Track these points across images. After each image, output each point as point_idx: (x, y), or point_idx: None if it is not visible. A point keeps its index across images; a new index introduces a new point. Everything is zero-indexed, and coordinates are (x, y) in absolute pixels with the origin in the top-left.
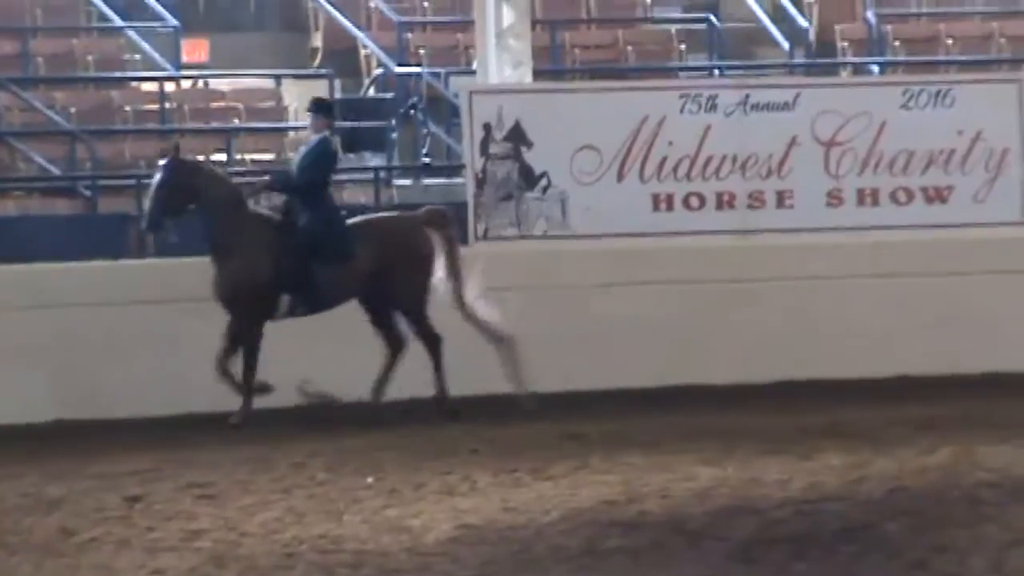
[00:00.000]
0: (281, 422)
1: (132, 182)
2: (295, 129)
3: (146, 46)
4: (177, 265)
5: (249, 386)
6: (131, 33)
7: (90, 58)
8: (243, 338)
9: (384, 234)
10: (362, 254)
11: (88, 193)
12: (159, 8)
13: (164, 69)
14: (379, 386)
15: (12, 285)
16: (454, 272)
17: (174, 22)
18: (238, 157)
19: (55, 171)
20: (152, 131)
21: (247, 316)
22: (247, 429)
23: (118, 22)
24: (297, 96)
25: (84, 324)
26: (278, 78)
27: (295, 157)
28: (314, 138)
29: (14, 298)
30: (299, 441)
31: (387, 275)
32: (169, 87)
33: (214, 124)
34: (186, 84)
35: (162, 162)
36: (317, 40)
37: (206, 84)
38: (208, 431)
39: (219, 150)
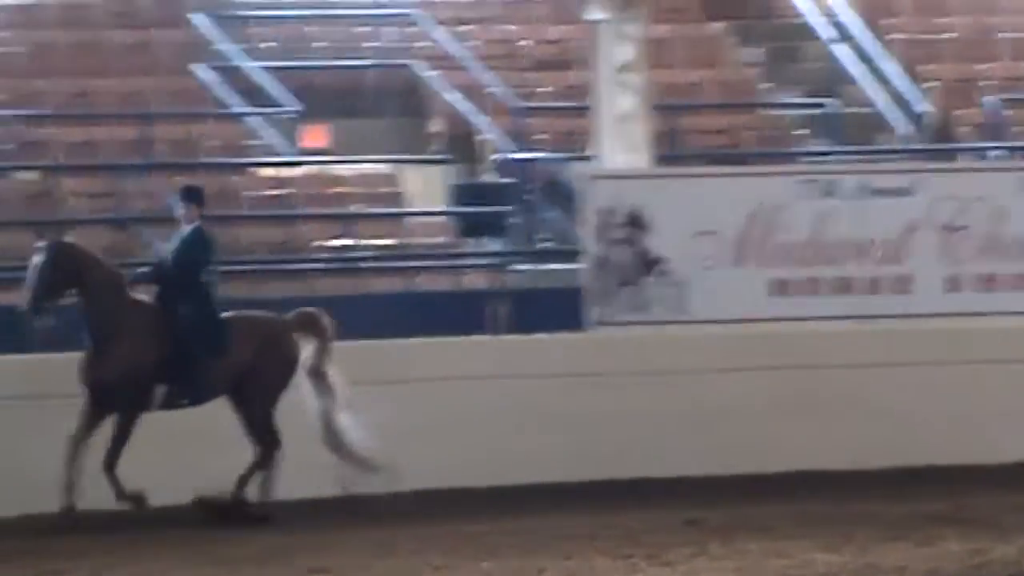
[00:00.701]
0: (408, 503)
1: (251, 268)
2: (414, 214)
3: (266, 132)
4: None
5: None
6: (252, 119)
7: (211, 144)
8: (117, 429)
9: (255, 332)
10: (234, 350)
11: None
12: (279, 94)
13: (284, 154)
14: (264, 483)
15: None
16: (320, 377)
17: (295, 108)
18: (357, 242)
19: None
20: (271, 217)
21: (122, 406)
22: (368, 511)
23: (239, 108)
24: (416, 181)
25: None
26: (397, 163)
27: (168, 247)
28: (187, 228)
29: None
30: (420, 525)
31: (252, 374)
32: (289, 172)
33: (333, 209)
34: (306, 169)
35: (41, 244)
36: (436, 125)
37: (326, 169)
38: (328, 514)
39: (337, 236)
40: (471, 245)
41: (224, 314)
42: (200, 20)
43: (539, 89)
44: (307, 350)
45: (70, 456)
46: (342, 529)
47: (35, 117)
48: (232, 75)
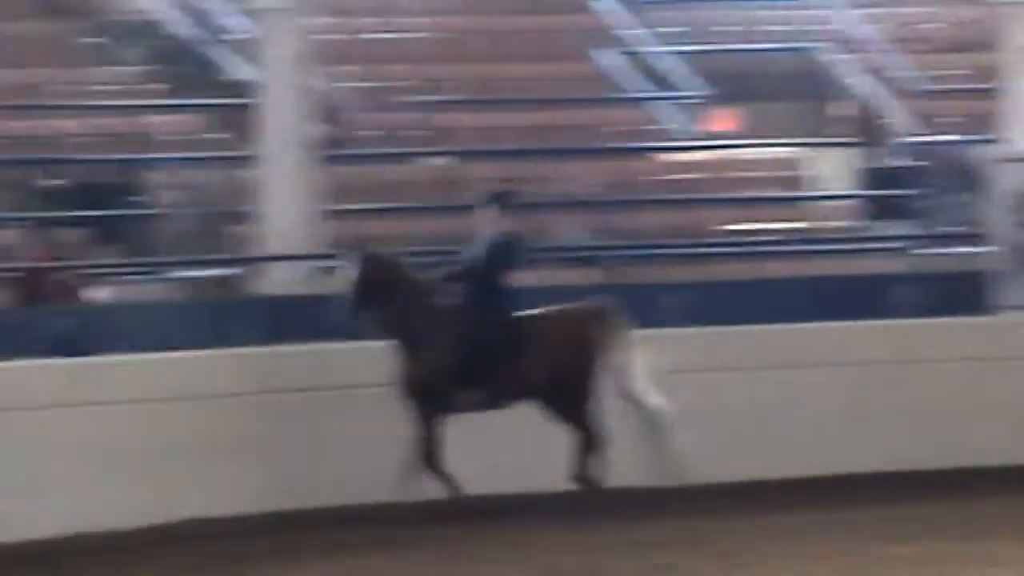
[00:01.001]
0: (817, 489)
1: (655, 252)
2: (817, 198)
3: (669, 117)
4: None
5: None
6: (652, 104)
7: (611, 129)
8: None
9: (555, 329)
10: (540, 350)
11: (611, 263)
12: (684, 79)
13: (686, 139)
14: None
15: None
16: (617, 366)
17: (701, 92)
18: (759, 227)
19: (581, 242)
20: (674, 201)
21: (429, 410)
22: (772, 498)
23: (642, 93)
24: (820, 165)
25: None
26: (801, 147)
27: (471, 250)
28: (491, 232)
29: None
30: (821, 510)
31: (560, 372)
32: (692, 157)
33: (736, 194)
34: (709, 154)
35: (357, 255)
36: (840, 109)
37: (729, 153)
38: (727, 499)
39: (739, 220)
40: (876, 229)
41: (527, 312)
42: (605, 5)
43: (945, 72)
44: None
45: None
46: (742, 515)
47: (441, 104)
48: (632, 60)
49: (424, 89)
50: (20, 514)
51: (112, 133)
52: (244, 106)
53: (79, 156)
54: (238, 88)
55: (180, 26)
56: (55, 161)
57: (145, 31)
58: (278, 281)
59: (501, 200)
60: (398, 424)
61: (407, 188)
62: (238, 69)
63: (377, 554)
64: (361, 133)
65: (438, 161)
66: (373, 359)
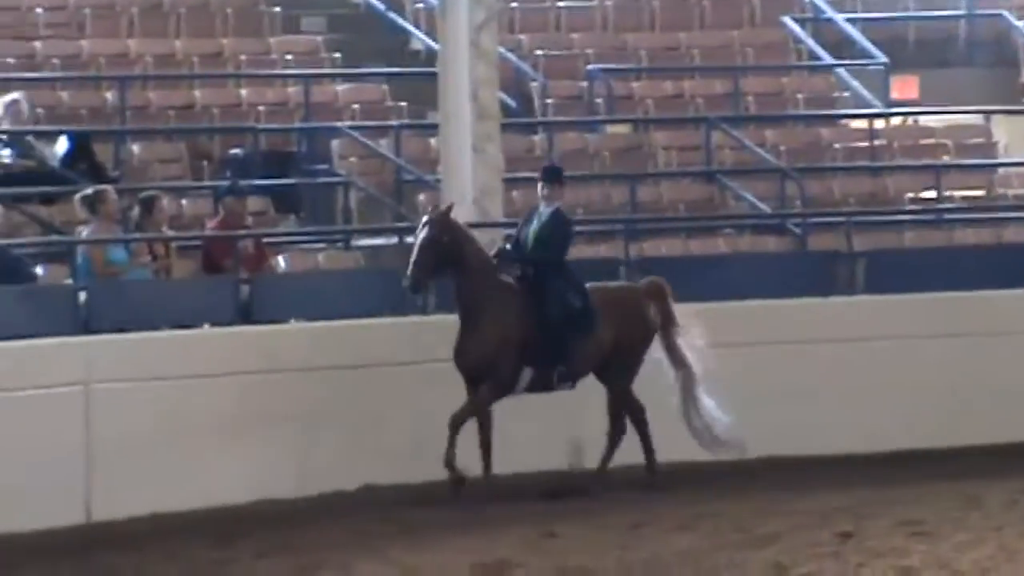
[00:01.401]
0: (990, 458)
1: (841, 220)
2: (1004, 165)
3: (855, 84)
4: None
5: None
6: (840, 71)
7: (800, 96)
8: (478, 410)
9: (616, 305)
10: (599, 326)
11: (798, 231)
12: (868, 46)
13: (873, 106)
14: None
15: (730, 320)
16: (672, 345)
17: (883, 59)
18: (947, 194)
19: (765, 209)
20: (861, 168)
21: (492, 388)
22: (950, 466)
23: (828, 60)
24: (1008, 132)
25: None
26: (988, 114)
27: (526, 228)
28: (547, 210)
29: (733, 335)
30: (1009, 479)
31: (615, 348)
32: (878, 124)
33: (923, 161)
34: (895, 121)
35: (425, 219)
36: None
37: (916, 121)
38: (909, 467)
39: (927, 187)
40: None
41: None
42: None
43: None
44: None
45: (452, 432)
46: (924, 483)
47: (626, 71)
48: (821, 27)
49: (610, 56)
50: (204, 482)
51: (295, 102)
52: (427, 75)
53: (262, 125)
54: (421, 57)
55: None
56: (239, 130)
57: (328, 1)
58: None
59: (553, 175)
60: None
61: (593, 156)
62: (421, 38)
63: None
64: (546, 101)
65: (621, 129)
66: None
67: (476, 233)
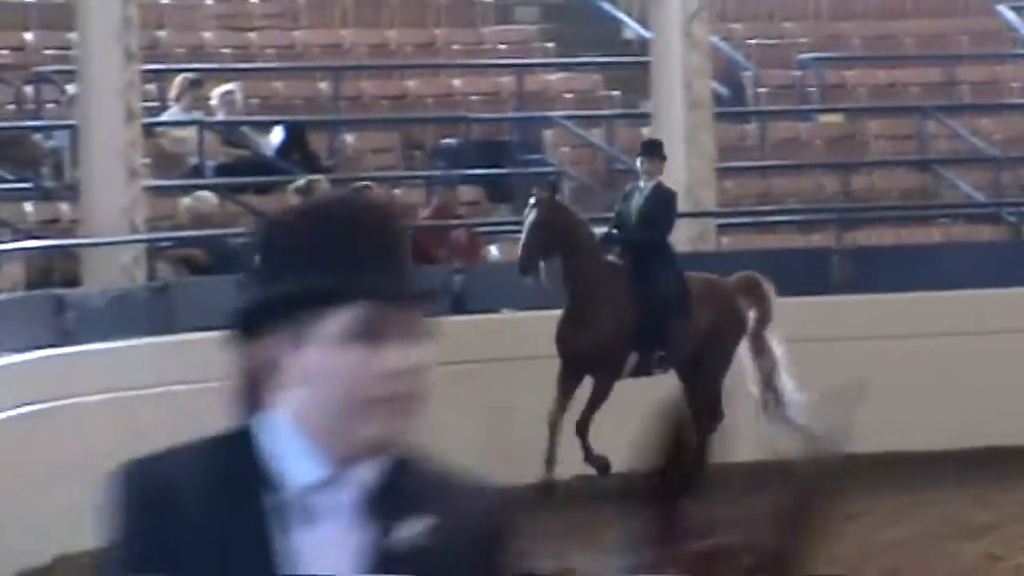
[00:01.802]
0: None
1: None
2: None
3: None
4: None
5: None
6: None
7: (1015, 84)
8: (594, 393)
9: (712, 295)
10: (697, 313)
11: (1013, 219)
12: None
13: None
14: None
15: (942, 311)
16: (758, 336)
17: None
18: None
19: (980, 197)
20: None
21: (598, 373)
22: None
23: None
24: None
25: (1016, 349)
26: None
27: (627, 204)
28: (648, 184)
29: (947, 324)
30: None
31: (710, 338)
32: None
33: None
34: None
35: (533, 201)
36: None
37: None
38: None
39: None
40: None
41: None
42: None
43: None
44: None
45: (552, 428)
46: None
47: (839, 60)
48: None
49: (823, 45)
50: None
51: (508, 92)
52: (639, 64)
53: (475, 115)
54: (633, 46)
55: None
56: (452, 119)
57: None
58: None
59: (653, 149)
60: None
61: (805, 145)
62: (633, 27)
63: None
64: (758, 90)
65: (834, 118)
66: None
67: (688, 222)
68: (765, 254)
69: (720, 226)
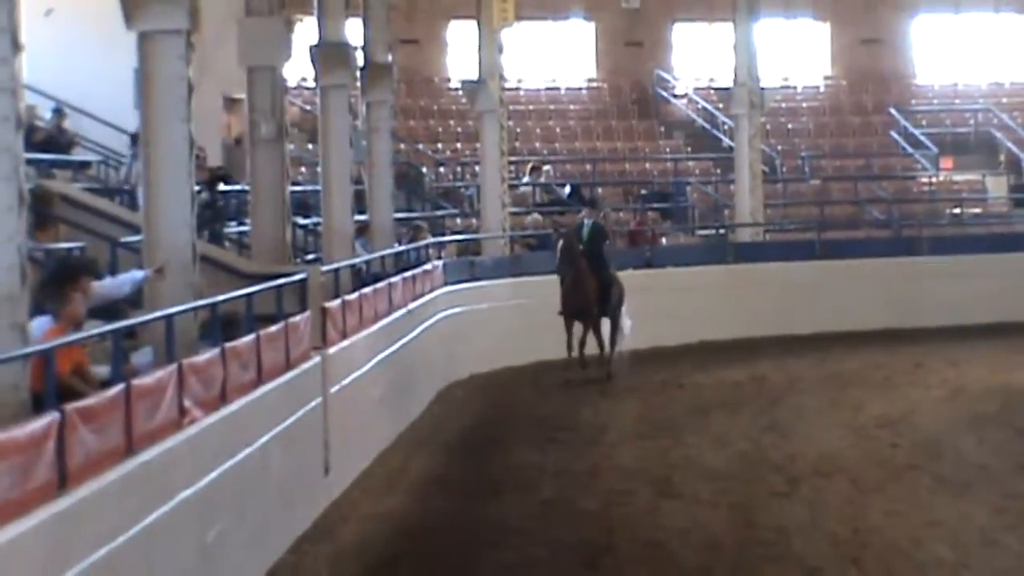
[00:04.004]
0: None
1: None
2: None
3: None
4: None
5: None
6: None
7: None
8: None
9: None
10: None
11: None
12: None
13: None
14: None
15: None
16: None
17: None
18: None
19: None
20: None
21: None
22: None
23: None
24: None
25: None
26: None
27: (577, 233)
28: (588, 222)
29: None
30: None
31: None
32: None
33: None
34: None
35: (563, 231)
36: None
37: None
38: None
39: None
40: None
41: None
42: None
43: None
44: None
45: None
46: None
47: None
48: None
49: None
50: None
51: (664, 170)
52: None
53: (656, 179)
54: None
55: None
56: (643, 182)
57: None
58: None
59: (591, 203)
60: None
61: None
62: None
63: None
64: None
65: None
66: None
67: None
68: None
69: None
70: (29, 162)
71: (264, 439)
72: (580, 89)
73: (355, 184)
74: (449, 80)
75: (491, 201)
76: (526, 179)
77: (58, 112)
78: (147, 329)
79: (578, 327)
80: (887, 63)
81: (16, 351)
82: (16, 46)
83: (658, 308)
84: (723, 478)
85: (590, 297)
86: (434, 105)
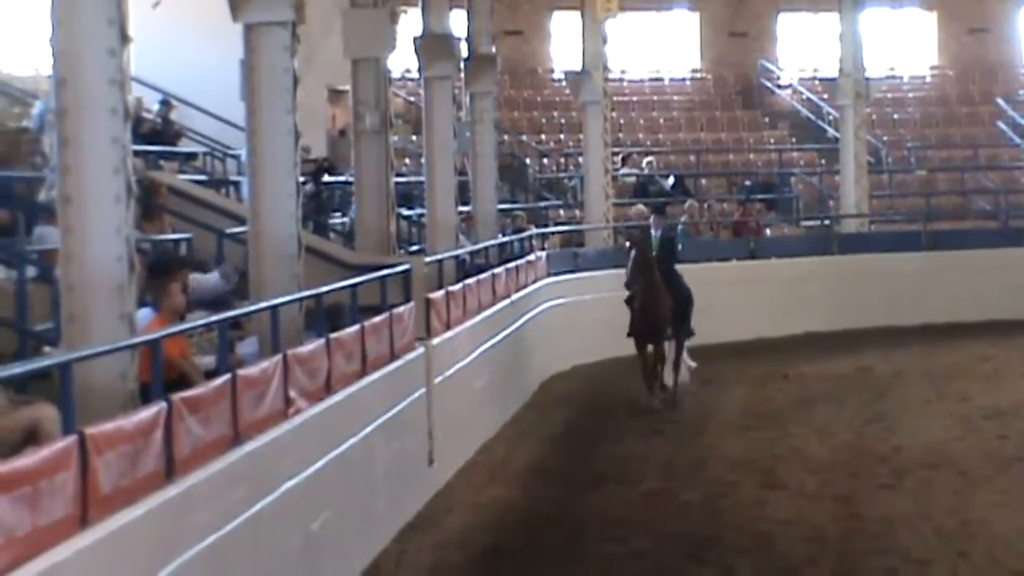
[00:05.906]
0: None
1: None
2: None
3: None
4: None
5: None
6: None
7: None
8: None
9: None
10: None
11: None
12: None
13: None
14: None
15: None
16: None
17: None
18: None
19: None
20: None
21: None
22: None
23: None
24: None
25: None
26: None
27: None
28: (658, 231)
29: None
30: None
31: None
32: None
33: None
34: None
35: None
36: None
37: None
38: None
39: None
40: None
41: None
42: None
43: None
44: None
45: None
46: None
47: None
48: None
49: None
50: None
51: (769, 160)
52: None
53: (759, 170)
54: None
55: None
56: (747, 173)
57: None
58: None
59: (659, 212)
60: None
61: None
62: None
63: None
64: None
65: None
66: None
67: None
68: None
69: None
70: (137, 154)
71: (368, 429)
72: (684, 80)
73: (459, 175)
74: (553, 71)
75: (594, 192)
76: (623, 170)
77: (165, 104)
78: (253, 319)
79: (651, 351)
80: (994, 53)
81: (124, 341)
82: (124, 38)
83: (763, 299)
84: (828, 470)
85: (665, 316)
86: (538, 96)
